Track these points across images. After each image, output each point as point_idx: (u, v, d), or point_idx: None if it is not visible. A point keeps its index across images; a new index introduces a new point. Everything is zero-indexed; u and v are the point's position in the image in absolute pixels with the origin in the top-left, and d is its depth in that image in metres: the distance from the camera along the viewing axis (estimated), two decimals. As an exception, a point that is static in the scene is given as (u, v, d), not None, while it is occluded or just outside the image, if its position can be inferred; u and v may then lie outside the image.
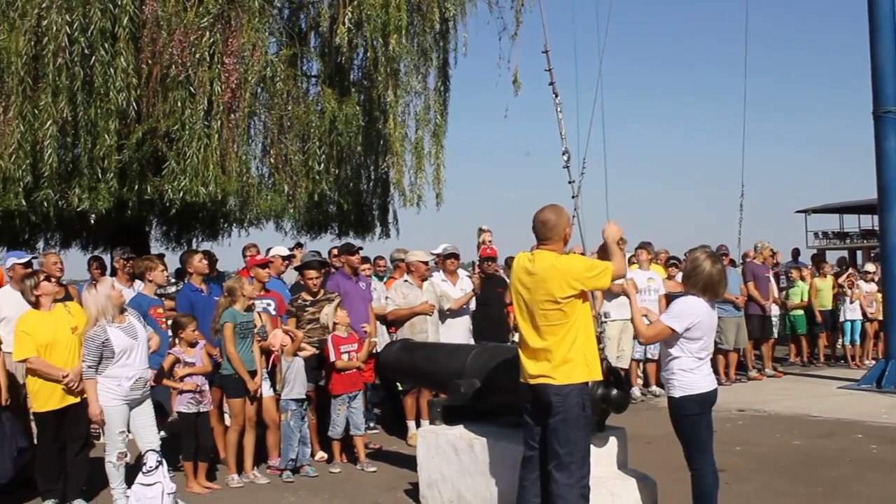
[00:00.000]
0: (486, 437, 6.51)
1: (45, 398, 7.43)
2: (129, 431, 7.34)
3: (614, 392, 5.88)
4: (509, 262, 10.73)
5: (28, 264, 8.30)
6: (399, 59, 12.49)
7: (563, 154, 7.18)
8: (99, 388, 7.20)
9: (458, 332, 10.09)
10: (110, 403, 7.21)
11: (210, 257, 9.62)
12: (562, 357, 5.38)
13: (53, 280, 7.79)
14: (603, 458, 6.00)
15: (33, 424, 7.93)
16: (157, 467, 7.13)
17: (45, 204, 10.50)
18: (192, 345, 8.11)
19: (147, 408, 7.32)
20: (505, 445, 6.28)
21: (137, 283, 9.60)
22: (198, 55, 10.96)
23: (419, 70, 13.27)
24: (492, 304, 10.68)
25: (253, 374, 8.27)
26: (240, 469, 8.33)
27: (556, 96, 7.44)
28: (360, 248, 10.11)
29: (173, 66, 10.89)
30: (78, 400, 7.46)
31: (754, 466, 8.30)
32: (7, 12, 10.69)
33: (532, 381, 5.50)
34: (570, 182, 7.18)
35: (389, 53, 12.15)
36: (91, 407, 7.26)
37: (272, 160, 12.29)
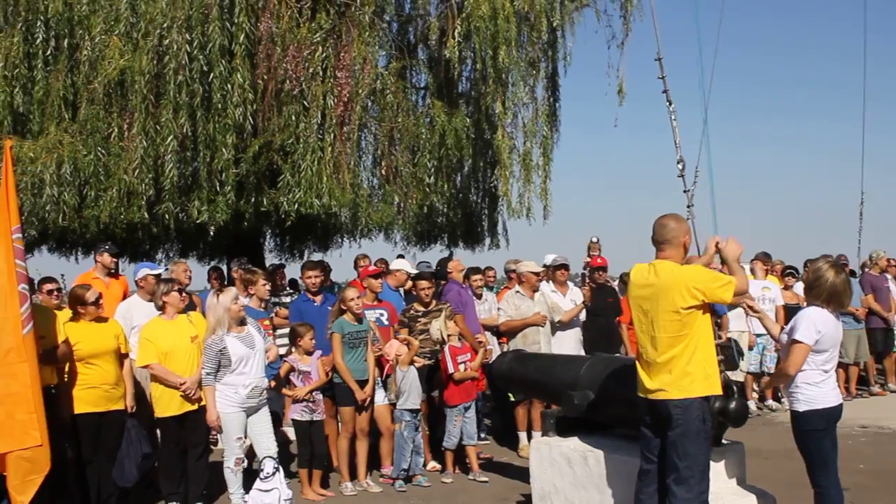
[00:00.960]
0: (600, 449, 6.44)
1: (165, 404, 7.67)
2: (246, 438, 7.51)
3: (732, 405, 5.73)
4: (625, 277, 10.60)
5: (159, 275, 8.58)
6: (507, 70, 12.48)
7: (678, 163, 7.05)
8: (217, 396, 7.40)
9: (569, 343, 10.02)
10: (227, 410, 7.41)
11: (323, 268, 9.75)
12: (681, 370, 5.29)
13: (180, 290, 8.01)
14: (721, 473, 5.86)
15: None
16: (273, 473, 7.28)
17: (167, 216, 10.82)
18: (309, 353, 8.24)
19: (264, 415, 7.48)
20: (620, 458, 6.21)
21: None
22: (311, 70, 11.16)
23: (527, 81, 13.24)
24: (603, 315, 10.58)
25: (364, 383, 8.37)
26: (353, 477, 8.43)
27: (670, 104, 7.31)
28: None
29: (287, 81, 11.11)
30: (196, 407, 7.67)
31: (879, 485, 7.99)
32: (131, 33, 11.06)
33: (649, 396, 5.42)
34: (685, 191, 7.04)
35: (498, 65, 12.14)
36: (208, 413, 7.48)
37: (383, 172, 12.42)
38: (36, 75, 11.39)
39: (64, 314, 7.62)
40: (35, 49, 11.38)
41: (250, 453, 7.87)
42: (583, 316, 10.37)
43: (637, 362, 5.63)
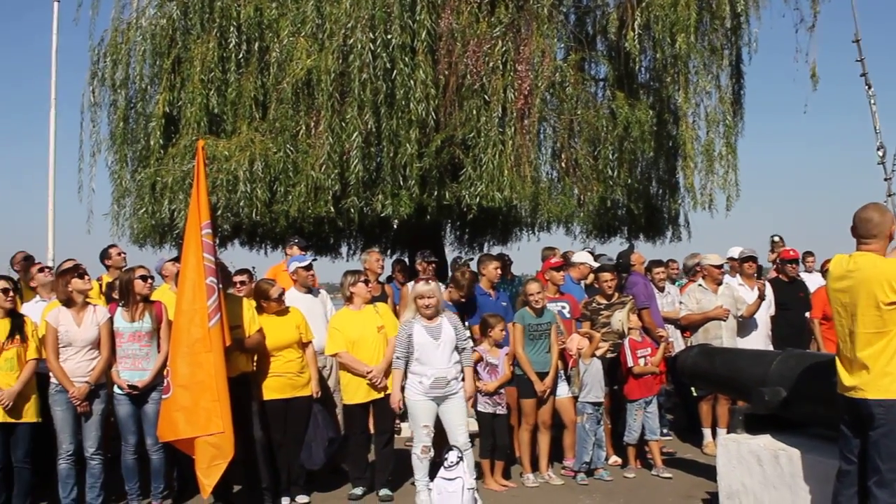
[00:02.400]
0: (793, 448, 6.19)
1: (352, 391, 7.93)
2: (432, 427, 7.62)
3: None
4: (825, 265, 10.17)
5: (309, 266, 8.84)
6: (689, 58, 12.16)
7: (878, 149, 6.71)
8: (407, 383, 7.56)
9: (757, 337, 9.71)
10: (415, 398, 7.55)
11: (504, 261, 9.78)
12: (880, 370, 5.00)
13: (366, 280, 8.21)
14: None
15: (339, 416, 8.44)
16: (457, 463, 7.37)
17: (352, 210, 11.12)
18: (499, 346, 8.29)
19: (454, 405, 7.53)
20: (814, 458, 5.95)
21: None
22: (491, 64, 11.22)
23: (709, 69, 12.85)
24: (793, 309, 10.19)
25: (545, 375, 8.37)
26: (535, 469, 8.45)
27: (869, 87, 6.97)
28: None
29: (468, 76, 11.21)
30: (382, 395, 7.88)
31: None
32: (317, 34, 11.42)
33: (848, 394, 5.17)
34: (885, 179, 6.70)
35: (678, 53, 11.85)
36: (392, 396, 7.67)
37: (562, 164, 12.35)
38: (229, 78, 11.93)
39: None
40: (228, 53, 11.92)
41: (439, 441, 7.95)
42: (773, 311, 10.02)
43: (836, 358, 5.38)
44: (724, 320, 9.47)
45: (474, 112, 11.15)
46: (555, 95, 12.18)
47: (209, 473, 6.96)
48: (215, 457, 6.94)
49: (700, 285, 9.79)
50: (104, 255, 9.58)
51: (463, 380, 7.57)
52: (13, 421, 7.11)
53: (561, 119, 12.21)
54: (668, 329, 9.67)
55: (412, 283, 9.95)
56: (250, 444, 7.47)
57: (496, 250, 15.12)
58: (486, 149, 10.99)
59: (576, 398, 8.56)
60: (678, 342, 9.90)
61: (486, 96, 11.20)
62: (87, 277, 7.49)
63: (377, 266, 10.02)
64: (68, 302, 7.29)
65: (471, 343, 7.71)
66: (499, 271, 9.42)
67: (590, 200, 12.14)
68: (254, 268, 8.83)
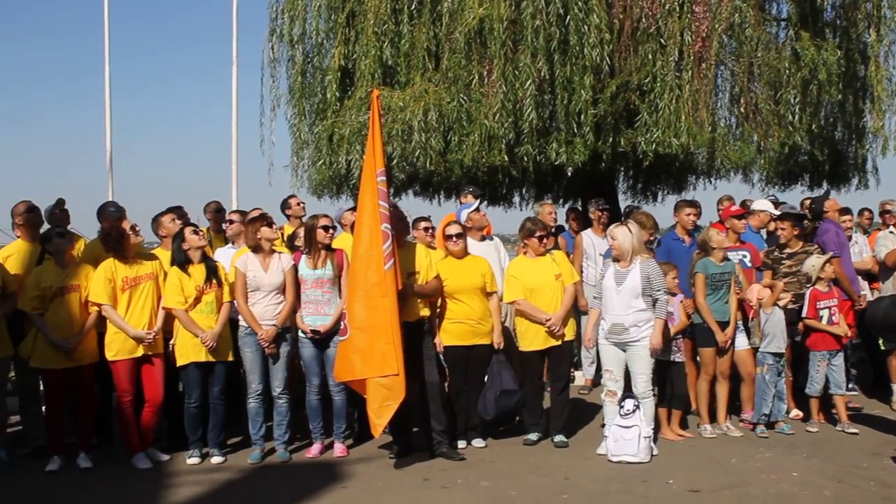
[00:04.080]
0: None
1: (530, 339, 7.97)
2: (615, 372, 7.61)
3: None
4: None
5: (477, 209, 8.86)
6: (882, -6, 11.50)
7: None
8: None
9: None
10: (600, 341, 7.65)
11: (698, 207, 9.55)
12: None
13: (544, 238, 8.20)
14: None
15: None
16: (634, 411, 7.35)
17: (525, 158, 11.10)
18: (672, 294, 8.18)
19: (634, 353, 7.49)
20: None
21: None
22: (667, 6, 10.91)
23: (904, 4, 12.08)
24: None
25: (725, 325, 8.18)
26: (712, 420, 8.31)
27: None
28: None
29: (643, 19, 10.96)
30: (559, 343, 7.90)
31: None
32: (490, -19, 11.38)
33: None
34: None
35: (870, -11, 11.23)
36: (584, 334, 7.85)
37: (741, 109, 11.92)
38: (402, 29, 12.04)
39: (437, 253, 8.10)
40: (401, 5, 11.99)
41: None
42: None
43: None
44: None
45: (650, 56, 10.93)
46: (733, 37, 11.75)
47: (381, 413, 7.18)
48: (387, 398, 7.15)
49: (892, 232, 9.33)
50: (285, 206, 9.93)
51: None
52: (212, 360, 7.53)
53: (740, 62, 11.76)
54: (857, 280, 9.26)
55: (586, 231, 9.93)
56: (426, 388, 7.64)
57: (671, 199, 14.82)
58: (662, 94, 10.75)
59: (756, 349, 8.33)
60: (867, 294, 9.47)
61: (661, 40, 10.94)
62: (274, 226, 7.82)
63: (549, 219, 10.01)
64: (256, 248, 7.62)
65: (664, 294, 7.57)
66: (693, 217, 9.21)
67: (770, 146, 11.71)
68: (429, 217, 8.96)
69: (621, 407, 7.44)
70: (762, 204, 10.09)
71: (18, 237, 8.41)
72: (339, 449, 7.77)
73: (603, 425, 7.80)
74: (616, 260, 7.62)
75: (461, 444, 7.91)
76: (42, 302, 7.45)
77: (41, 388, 8.06)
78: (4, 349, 7.65)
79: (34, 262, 8.00)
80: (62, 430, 7.67)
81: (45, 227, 8.29)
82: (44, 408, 8.01)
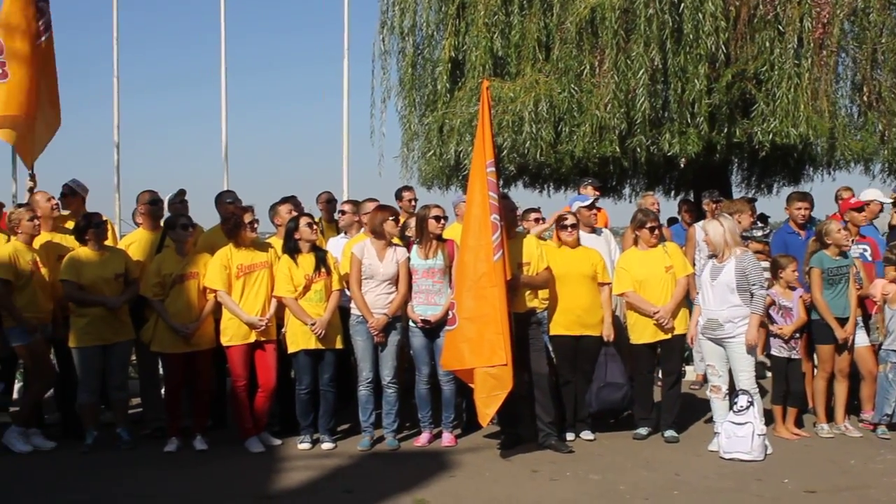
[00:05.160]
0: None
1: (640, 331, 7.91)
2: (717, 368, 7.47)
3: None
4: None
5: (591, 206, 8.75)
6: None
7: None
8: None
9: None
10: (700, 337, 7.55)
11: (811, 200, 9.28)
12: None
13: (655, 229, 8.07)
14: None
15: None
16: (747, 407, 7.17)
17: (638, 149, 10.99)
18: (791, 288, 7.95)
19: (732, 350, 7.35)
20: None
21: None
22: (786, -8, 10.67)
23: None
24: None
25: (845, 321, 7.91)
26: (830, 419, 8.05)
27: None
28: None
29: (760, 6, 10.76)
30: (670, 336, 7.78)
31: None
32: (602, -29, 11.27)
33: None
34: None
35: None
36: (689, 329, 7.68)
37: (864, 98, 11.53)
38: (512, 20, 12.05)
39: (549, 243, 8.05)
40: (511, -4, 12.00)
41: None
42: None
43: None
44: None
45: (767, 44, 10.70)
46: (856, 23, 11.41)
47: (488, 403, 7.17)
48: (494, 387, 7.13)
49: None
50: (398, 196, 10.03)
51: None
52: (321, 348, 7.65)
53: (863, 49, 11.39)
54: None
55: (699, 223, 9.72)
56: (534, 378, 7.61)
57: (786, 190, 14.42)
58: (780, 83, 10.51)
59: (877, 347, 8.03)
60: None
61: (780, 27, 10.70)
62: (398, 217, 7.89)
63: (653, 209, 9.80)
64: (377, 236, 7.71)
65: (761, 289, 7.38)
66: (804, 211, 8.94)
67: (894, 136, 11.27)
68: (539, 208, 8.93)
69: (734, 403, 7.28)
70: (871, 193, 9.71)
71: (139, 225, 8.70)
72: (447, 438, 7.80)
73: (712, 421, 7.65)
74: (714, 255, 7.48)
75: (570, 436, 7.85)
76: (162, 288, 7.69)
77: (161, 371, 8.34)
78: (127, 334, 7.92)
79: (154, 250, 8.28)
80: (180, 413, 7.91)
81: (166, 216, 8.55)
82: (163, 391, 8.29)
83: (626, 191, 15.74)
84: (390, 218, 7.74)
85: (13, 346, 7.77)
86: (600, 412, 7.98)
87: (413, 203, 9.73)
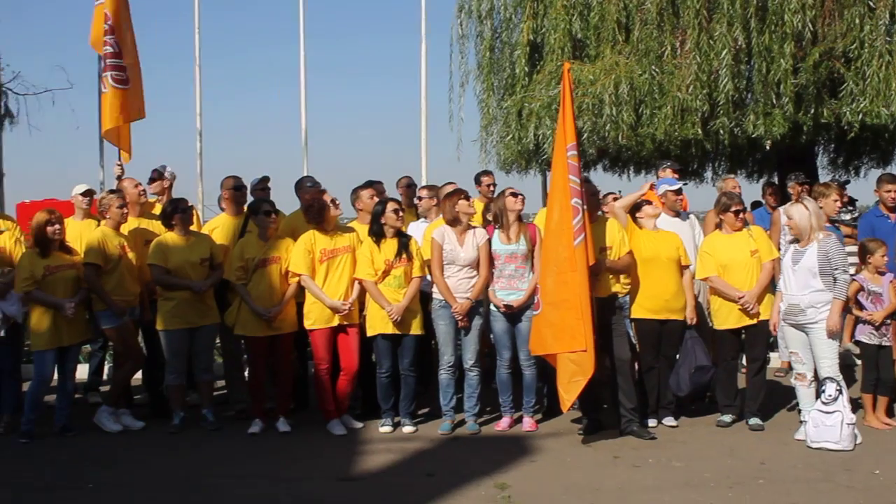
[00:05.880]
0: None
1: (724, 316, 7.79)
2: (801, 355, 7.32)
3: None
4: None
5: (679, 191, 8.60)
6: None
7: None
8: None
9: None
10: (782, 323, 7.43)
11: None
12: None
13: (736, 211, 7.91)
14: None
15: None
16: (837, 397, 7.00)
17: (721, 131, 10.76)
18: (881, 273, 7.73)
19: (814, 336, 7.20)
20: None
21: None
22: (877, -33, 10.31)
23: None
24: None
25: (937, 307, 7.68)
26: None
27: None
28: None
29: (849, -19, 10.40)
30: (755, 322, 7.64)
31: None
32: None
33: None
34: None
35: None
36: (772, 315, 7.50)
37: (961, 75, 11.12)
38: (591, 2, 11.91)
39: (630, 226, 7.95)
40: (592, -24, 11.84)
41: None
42: None
43: None
44: None
45: (857, 21, 10.34)
46: (954, -4, 10.94)
47: (569, 389, 7.16)
48: (575, 373, 7.10)
49: None
50: (477, 181, 10.01)
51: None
52: (399, 333, 7.68)
53: (961, 22, 10.95)
54: None
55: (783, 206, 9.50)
56: (616, 364, 7.55)
57: (874, 173, 14.01)
58: (870, 61, 10.16)
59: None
60: None
61: (870, 3, 10.37)
62: (471, 200, 7.87)
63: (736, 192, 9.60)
64: (453, 222, 7.71)
65: (844, 273, 7.19)
66: (894, 194, 8.67)
67: None
68: (619, 191, 8.81)
69: (822, 392, 7.11)
70: None
71: (223, 210, 8.84)
72: (528, 423, 7.78)
73: (798, 409, 7.51)
74: (796, 240, 7.31)
75: (651, 422, 7.77)
76: (245, 272, 7.81)
77: (244, 354, 8.48)
78: (213, 317, 8.07)
79: (237, 235, 8.41)
80: (264, 395, 8.03)
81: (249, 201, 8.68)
82: (247, 373, 8.43)
83: (708, 174, 15.48)
84: (461, 199, 7.73)
85: (103, 328, 7.98)
86: (688, 396, 7.87)
87: (492, 188, 9.69)
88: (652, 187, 8.41)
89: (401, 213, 7.80)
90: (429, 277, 7.83)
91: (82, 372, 9.00)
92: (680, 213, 8.60)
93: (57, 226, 7.71)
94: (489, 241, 7.73)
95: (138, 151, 10.30)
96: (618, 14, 11.71)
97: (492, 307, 7.74)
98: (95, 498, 6.29)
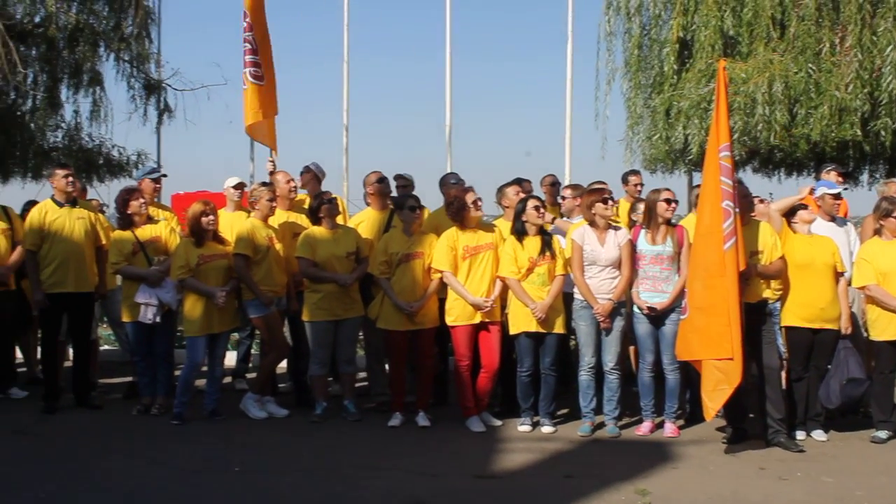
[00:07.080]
0: None
1: (882, 328, 7.43)
2: None
3: None
4: None
5: (838, 196, 8.22)
6: None
7: None
8: None
9: None
10: None
11: None
12: None
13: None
14: None
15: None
16: None
17: (883, 132, 10.29)
18: None
19: None
20: None
21: None
22: None
23: None
24: None
25: None
26: None
27: None
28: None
29: None
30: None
31: None
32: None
33: None
34: None
35: None
36: None
37: None
38: (745, -3, 11.55)
39: (784, 231, 7.70)
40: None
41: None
42: None
43: None
44: None
45: None
46: None
47: (714, 397, 6.97)
48: (720, 381, 6.91)
49: None
50: (624, 181, 9.87)
51: None
52: (543, 331, 7.64)
53: None
54: None
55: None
56: (764, 372, 7.31)
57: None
58: None
59: None
60: None
61: None
62: (609, 204, 7.76)
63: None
64: (592, 223, 7.62)
65: None
66: None
67: None
68: (771, 194, 8.54)
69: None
70: None
71: (369, 205, 8.98)
72: (669, 429, 7.63)
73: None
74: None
75: (800, 434, 7.49)
76: (389, 267, 7.92)
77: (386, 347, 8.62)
78: (357, 310, 8.20)
79: (382, 229, 8.54)
80: (404, 389, 8.12)
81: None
82: (387, 366, 8.54)
83: (864, 177, 14.80)
84: (598, 202, 7.62)
85: (251, 317, 8.23)
86: (838, 409, 7.57)
87: (639, 188, 9.53)
88: (811, 191, 8.11)
89: (542, 211, 7.74)
90: (571, 276, 7.75)
91: (230, 359, 9.33)
92: (836, 218, 8.26)
93: (211, 217, 7.99)
94: (630, 241, 7.60)
95: (286, 148, 10.52)
96: (773, 10, 11.30)
97: (634, 309, 7.62)
98: (241, 480, 6.49)
